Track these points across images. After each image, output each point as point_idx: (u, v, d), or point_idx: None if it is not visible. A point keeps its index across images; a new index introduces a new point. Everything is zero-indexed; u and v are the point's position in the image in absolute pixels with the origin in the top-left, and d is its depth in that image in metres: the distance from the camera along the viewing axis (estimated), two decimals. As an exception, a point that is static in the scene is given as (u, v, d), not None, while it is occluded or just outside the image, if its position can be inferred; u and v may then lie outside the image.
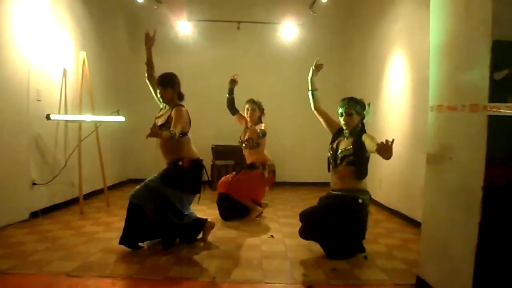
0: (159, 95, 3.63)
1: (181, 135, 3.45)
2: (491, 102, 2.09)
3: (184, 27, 6.94)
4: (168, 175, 3.53)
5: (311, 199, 6.10)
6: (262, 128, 4.67)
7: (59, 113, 4.95)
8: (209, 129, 7.09)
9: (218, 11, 7.18)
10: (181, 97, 3.67)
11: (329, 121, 3.64)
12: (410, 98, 4.88)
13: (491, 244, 2.13)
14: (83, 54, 5.17)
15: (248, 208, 4.75)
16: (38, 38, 4.58)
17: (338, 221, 3.30)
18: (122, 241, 3.47)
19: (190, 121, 3.62)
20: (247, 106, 4.82)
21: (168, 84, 3.58)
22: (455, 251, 2.35)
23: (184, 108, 3.56)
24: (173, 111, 3.48)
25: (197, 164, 3.64)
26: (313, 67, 3.65)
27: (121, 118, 5.34)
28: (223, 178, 4.88)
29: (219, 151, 6.97)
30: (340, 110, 3.42)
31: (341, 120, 3.42)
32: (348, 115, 3.37)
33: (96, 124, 5.23)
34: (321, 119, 3.68)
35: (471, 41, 2.30)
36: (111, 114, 5.30)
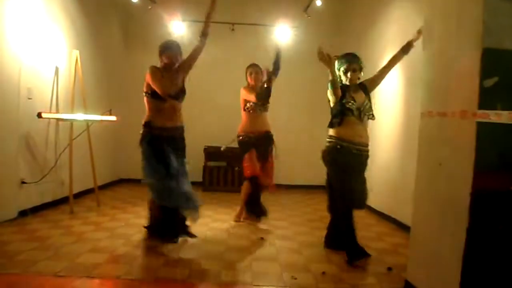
0: None
1: (148, 93, 3.54)
2: (480, 109, 2.11)
3: (178, 27, 6.91)
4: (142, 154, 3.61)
5: (302, 202, 6.12)
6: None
7: (50, 111, 4.91)
8: (202, 130, 7.07)
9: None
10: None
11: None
12: (402, 103, 4.91)
13: (478, 250, 2.14)
14: (76, 53, 5.14)
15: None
16: (30, 36, 4.54)
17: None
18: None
19: (162, 84, 3.49)
20: (249, 70, 4.77)
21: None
22: (443, 256, 2.36)
23: (152, 67, 3.55)
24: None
25: (147, 132, 3.57)
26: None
27: (112, 118, 5.31)
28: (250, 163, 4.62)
29: (211, 153, 6.95)
30: (344, 66, 3.46)
31: (345, 76, 3.46)
32: (353, 71, 3.45)
33: (88, 123, 5.20)
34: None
35: (462, 48, 2.32)
36: (103, 113, 5.27)
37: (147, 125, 3.59)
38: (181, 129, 3.73)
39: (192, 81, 6.64)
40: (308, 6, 6.62)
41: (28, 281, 2.75)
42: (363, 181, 3.58)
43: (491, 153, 2.14)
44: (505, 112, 2.09)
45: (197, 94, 7.03)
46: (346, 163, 3.42)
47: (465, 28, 2.28)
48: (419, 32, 3.21)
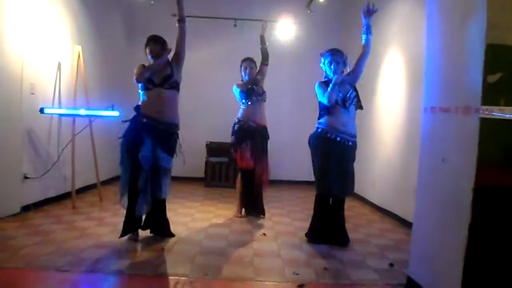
0: None
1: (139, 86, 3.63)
2: (484, 105, 2.10)
3: (180, 23, 6.90)
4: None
5: (304, 198, 6.12)
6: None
7: (53, 107, 4.92)
8: (204, 126, 7.08)
9: (215, 8, 7.16)
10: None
11: None
12: (405, 99, 4.90)
13: (480, 246, 2.14)
14: (79, 48, 5.13)
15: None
16: (32, 31, 4.53)
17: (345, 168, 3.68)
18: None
19: (140, 75, 3.56)
20: (244, 64, 4.76)
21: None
22: (445, 252, 2.36)
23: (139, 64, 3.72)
24: None
25: (134, 116, 3.69)
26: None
27: (115, 113, 5.30)
28: (242, 156, 4.64)
29: (213, 148, 6.95)
30: (328, 59, 3.75)
31: (330, 68, 3.73)
32: (337, 63, 3.73)
33: (90, 119, 5.21)
34: None
35: (465, 44, 2.31)
36: (106, 109, 5.26)
37: (136, 108, 3.65)
38: (170, 124, 3.63)
39: (193, 76, 6.66)
40: (310, 2, 6.61)
41: (31, 275, 2.77)
42: (345, 170, 3.64)
43: (494, 149, 2.13)
44: (509, 108, 2.08)
45: (198, 89, 7.07)
46: (327, 149, 3.61)
47: (469, 24, 2.27)
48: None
